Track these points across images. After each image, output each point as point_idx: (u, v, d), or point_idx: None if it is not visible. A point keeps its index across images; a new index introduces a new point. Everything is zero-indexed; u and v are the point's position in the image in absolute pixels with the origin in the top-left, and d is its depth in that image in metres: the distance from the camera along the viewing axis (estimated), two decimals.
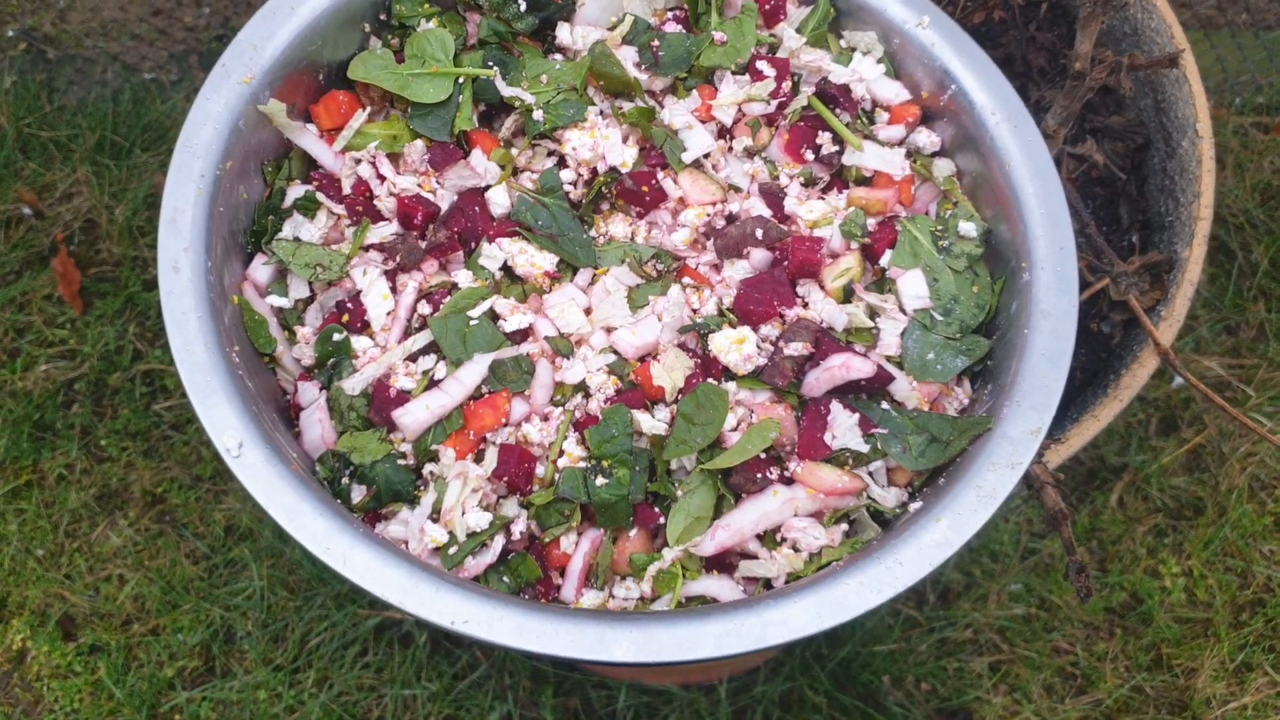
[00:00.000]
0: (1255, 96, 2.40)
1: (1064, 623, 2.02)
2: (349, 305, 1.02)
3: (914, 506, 0.95)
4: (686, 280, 1.07)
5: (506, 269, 1.06)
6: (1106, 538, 2.13)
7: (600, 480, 0.95)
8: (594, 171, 1.09)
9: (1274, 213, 2.33)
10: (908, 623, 1.97)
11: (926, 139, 1.12)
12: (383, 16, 1.12)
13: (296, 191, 1.06)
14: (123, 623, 1.90)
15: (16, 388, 2.05)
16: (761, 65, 1.10)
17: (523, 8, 1.12)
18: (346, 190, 1.07)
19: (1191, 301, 1.15)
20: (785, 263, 1.05)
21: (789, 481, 0.98)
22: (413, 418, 0.96)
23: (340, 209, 1.05)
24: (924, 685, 1.94)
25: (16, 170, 2.19)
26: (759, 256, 1.06)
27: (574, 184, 1.09)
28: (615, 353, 1.02)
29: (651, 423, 0.97)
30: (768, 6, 1.13)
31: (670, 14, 1.16)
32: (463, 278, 1.04)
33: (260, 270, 1.03)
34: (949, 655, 1.95)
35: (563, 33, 1.13)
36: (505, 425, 0.98)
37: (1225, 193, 2.34)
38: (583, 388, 1.01)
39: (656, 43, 1.11)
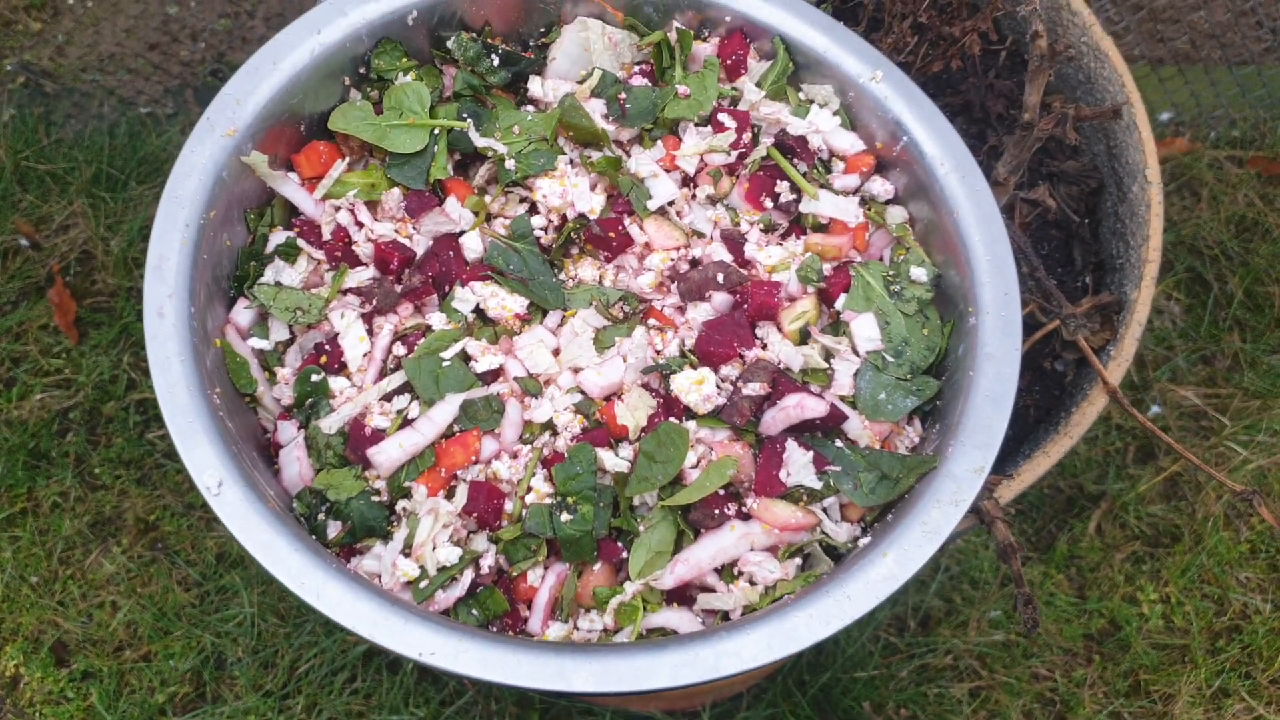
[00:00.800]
0: (1230, 130, 2.46)
1: (1043, 649, 2.05)
2: (327, 347, 1.07)
3: (863, 542, 0.99)
4: (652, 322, 1.12)
5: (479, 311, 1.11)
6: (1085, 565, 2.17)
7: (565, 516, 0.99)
8: (564, 218, 1.14)
9: (1248, 244, 2.38)
10: (888, 649, 1.99)
11: (880, 187, 1.17)
12: (362, 70, 1.17)
13: (278, 238, 1.11)
14: (115, 649, 1.93)
15: (12, 416, 2.09)
16: (723, 117, 1.16)
17: (496, 63, 1.17)
18: (326, 236, 1.12)
19: (1140, 341, 1.19)
20: (745, 306, 1.09)
21: (746, 517, 1.02)
22: (386, 456, 1.01)
23: (320, 254, 1.10)
24: (904, 711, 1.97)
25: (14, 202, 2.24)
26: (720, 299, 1.11)
27: (544, 229, 1.14)
28: (582, 392, 1.06)
29: (615, 460, 1.01)
30: (729, 61, 1.18)
31: (637, 68, 1.21)
32: (436, 320, 1.09)
33: (242, 314, 1.08)
34: (929, 681, 1.98)
35: (534, 86, 1.18)
36: (476, 463, 1.03)
37: (1200, 225, 2.38)
38: (550, 426, 1.06)
39: (624, 96, 1.16)
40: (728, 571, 1.01)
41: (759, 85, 1.19)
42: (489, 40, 1.20)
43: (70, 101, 2.32)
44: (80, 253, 2.24)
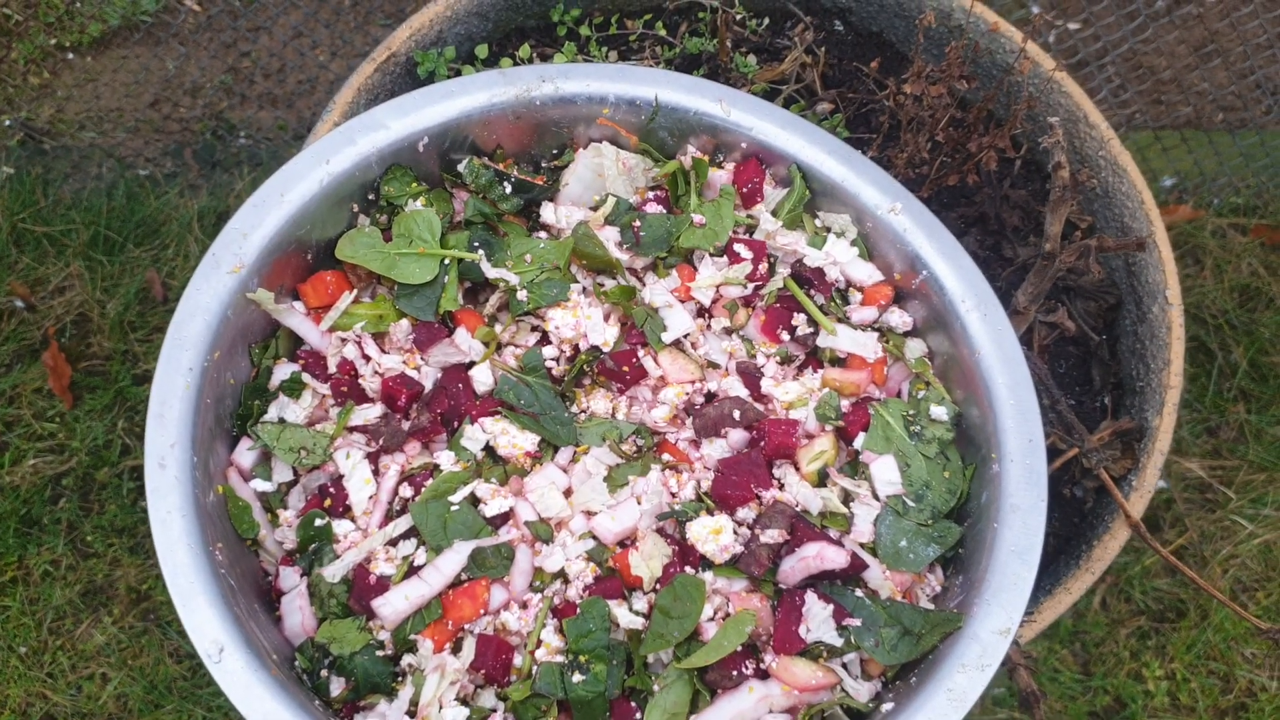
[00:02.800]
0: (1233, 198, 2.44)
1: None
2: (331, 490, 1.04)
3: (886, 707, 0.97)
4: (666, 457, 1.09)
5: (488, 449, 1.08)
6: (1090, 640, 2.15)
7: (578, 677, 0.96)
8: (576, 349, 1.11)
9: (1252, 314, 2.37)
10: None
11: (899, 319, 1.14)
12: (371, 196, 1.15)
13: (283, 371, 1.08)
14: None
15: (4, 482, 2.06)
16: (739, 247, 1.13)
17: (508, 189, 1.15)
18: (332, 369, 1.09)
19: (1163, 467, 1.17)
20: (762, 444, 1.07)
21: (764, 675, 0.99)
22: (392, 608, 0.98)
23: (325, 389, 1.07)
24: None
25: (10, 264, 2.21)
26: (736, 437, 1.08)
27: (556, 360, 1.12)
28: (594, 538, 1.04)
29: (629, 617, 0.98)
30: (745, 189, 1.16)
31: (651, 194, 1.19)
32: (445, 459, 1.06)
33: (245, 455, 1.05)
34: None
35: (547, 212, 1.16)
36: (484, 614, 1.00)
37: (1204, 294, 2.37)
38: (562, 574, 1.03)
39: (638, 223, 1.13)
40: None
41: (775, 214, 1.16)
42: (501, 164, 1.17)
43: (68, 162, 2.28)
44: (76, 315, 2.21)
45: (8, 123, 2.31)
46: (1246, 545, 2.15)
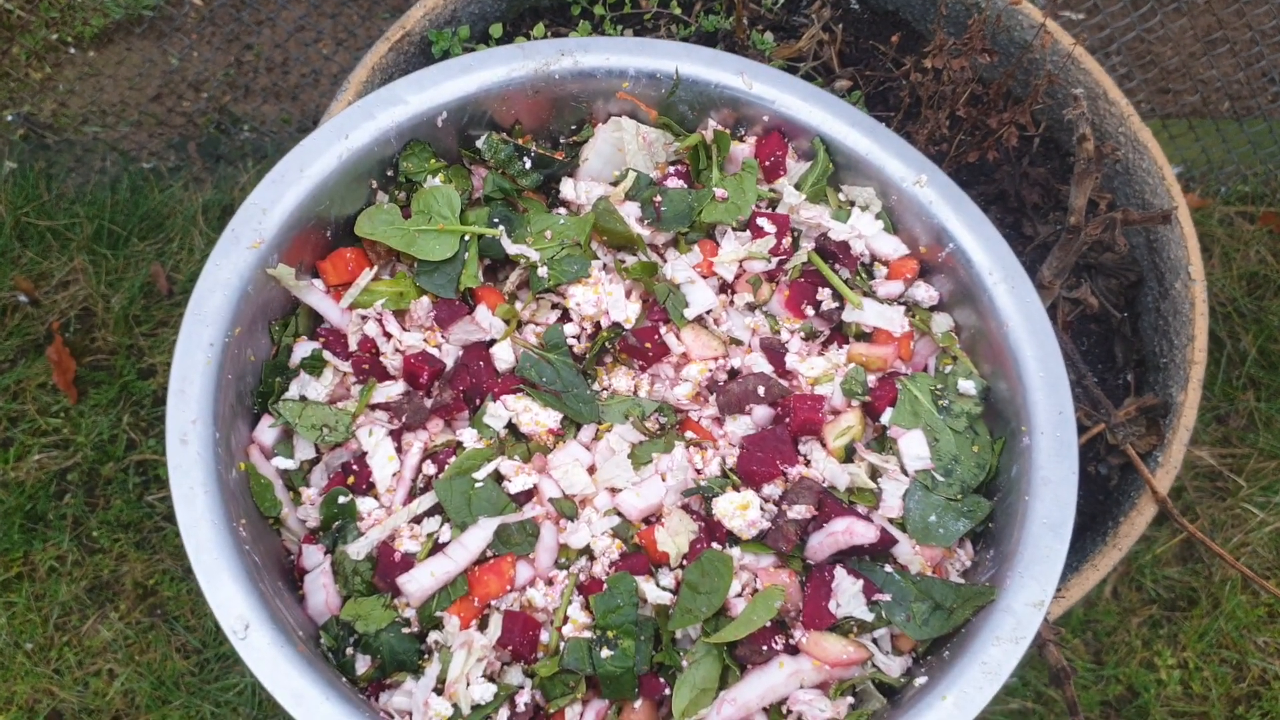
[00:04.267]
0: (1240, 186, 2.44)
1: (1060, 717, 2.02)
2: (354, 467, 1.02)
3: (919, 680, 0.95)
4: (689, 435, 1.08)
5: (511, 426, 1.07)
6: (1101, 629, 2.14)
7: (606, 652, 0.95)
8: (597, 326, 1.10)
9: (1261, 301, 2.36)
10: None
11: (925, 293, 1.13)
12: (389, 173, 1.13)
13: (303, 349, 1.06)
14: (112, 719, 1.88)
15: (9, 478, 2.04)
16: (762, 221, 1.12)
17: (528, 165, 1.14)
18: (353, 346, 1.07)
19: (1188, 443, 1.16)
20: (787, 420, 1.06)
21: (794, 651, 0.98)
22: (417, 584, 0.96)
23: (346, 366, 1.06)
24: None
25: (13, 258, 2.19)
26: (761, 413, 1.07)
27: (577, 337, 1.10)
28: (619, 514, 1.02)
29: (656, 593, 0.97)
30: (768, 163, 1.15)
31: (672, 168, 1.17)
32: (468, 436, 1.05)
33: (266, 432, 1.03)
34: None
35: (567, 188, 1.14)
36: (510, 591, 0.99)
37: (1213, 282, 2.36)
38: (587, 551, 1.01)
39: (659, 198, 1.12)
40: (775, 710, 0.97)
41: (798, 187, 1.15)
42: (519, 139, 1.16)
43: (72, 155, 2.27)
44: (80, 310, 2.19)
45: (10, 118, 2.29)
46: (1257, 533, 2.15)
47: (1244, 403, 2.29)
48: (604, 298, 1.07)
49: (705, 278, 1.12)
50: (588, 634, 0.97)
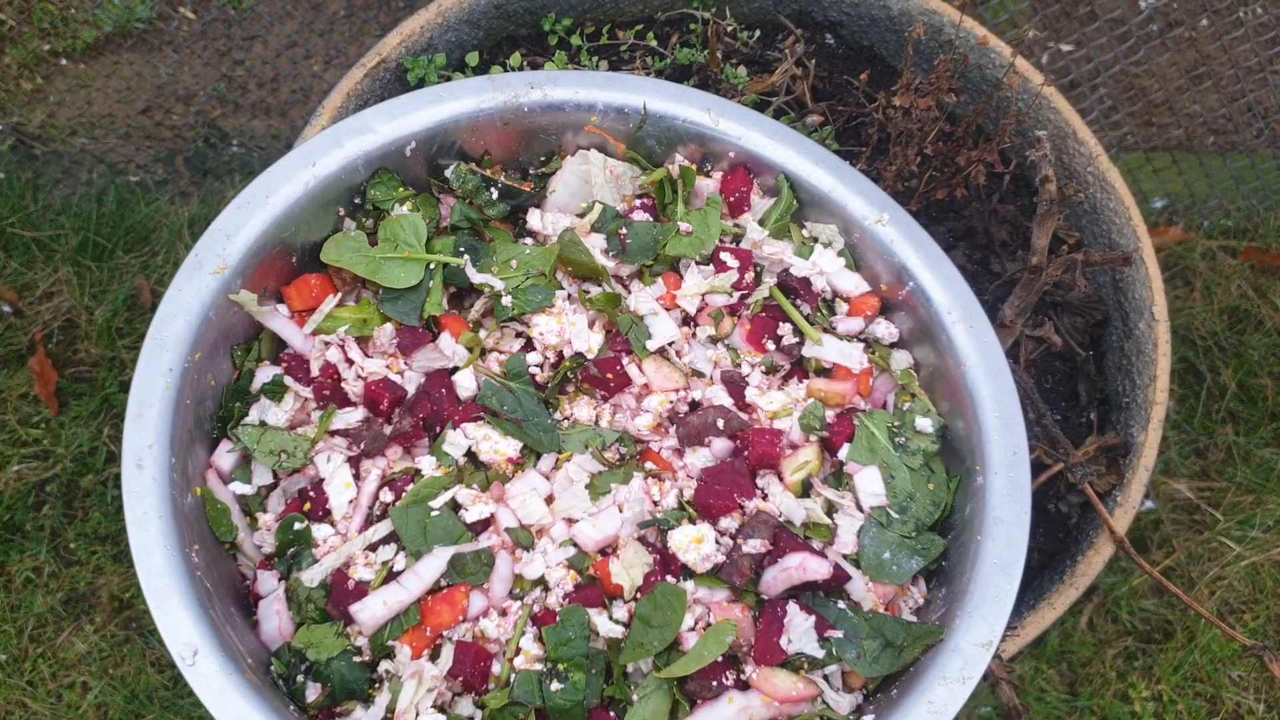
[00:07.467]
0: (1223, 220, 2.45)
1: None
2: (311, 493, 1.03)
3: (867, 718, 0.96)
4: (649, 465, 1.09)
5: (470, 455, 1.07)
6: (1076, 660, 2.14)
7: (556, 685, 0.95)
8: (560, 355, 1.11)
9: (1241, 335, 2.37)
10: None
11: (885, 330, 1.14)
12: (357, 200, 1.14)
13: (265, 375, 1.07)
14: None
15: None
16: (725, 256, 1.13)
17: (495, 195, 1.15)
18: (314, 372, 1.08)
19: (1148, 484, 1.17)
20: (746, 453, 1.06)
21: (744, 686, 0.99)
22: (370, 614, 0.97)
23: (307, 392, 1.06)
24: None
25: None
26: (720, 446, 1.08)
27: (540, 366, 1.11)
28: (575, 545, 1.03)
29: (609, 626, 0.97)
30: (733, 198, 1.16)
31: (638, 201, 1.18)
32: (426, 464, 1.05)
33: (225, 457, 1.04)
34: None
35: (533, 218, 1.16)
36: (463, 621, 0.99)
37: (1194, 315, 2.37)
38: (542, 582, 1.02)
39: (624, 231, 1.13)
40: None
41: (762, 223, 1.16)
42: (489, 170, 1.17)
43: (59, 167, 2.28)
44: (63, 321, 2.20)
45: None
46: (1234, 567, 2.15)
47: (1223, 436, 2.30)
48: (567, 328, 1.08)
49: (668, 310, 1.12)
50: (539, 666, 0.97)
